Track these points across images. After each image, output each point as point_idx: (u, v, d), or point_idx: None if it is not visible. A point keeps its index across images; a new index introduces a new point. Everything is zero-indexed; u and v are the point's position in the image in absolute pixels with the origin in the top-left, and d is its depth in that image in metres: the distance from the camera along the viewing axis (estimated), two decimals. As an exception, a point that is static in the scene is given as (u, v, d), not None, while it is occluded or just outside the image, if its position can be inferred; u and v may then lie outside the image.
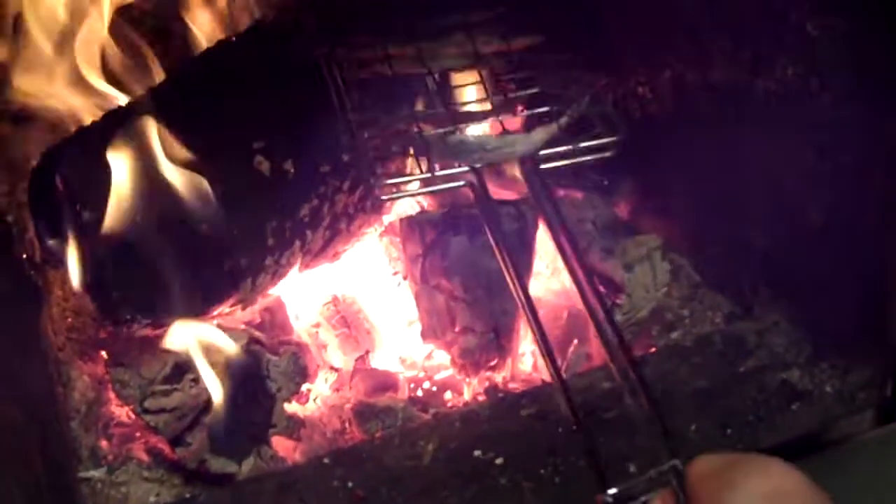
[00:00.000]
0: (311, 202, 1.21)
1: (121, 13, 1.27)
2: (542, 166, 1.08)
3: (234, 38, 1.26)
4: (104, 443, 1.19)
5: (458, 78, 1.28)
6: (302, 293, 1.35)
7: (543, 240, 1.36)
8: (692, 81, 1.30)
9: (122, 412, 1.21)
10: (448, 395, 1.29)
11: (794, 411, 1.16)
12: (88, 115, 1.24)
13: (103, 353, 1.26)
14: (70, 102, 1.27)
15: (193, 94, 1.19)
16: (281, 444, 1.20)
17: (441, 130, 1.12)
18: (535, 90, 1.23)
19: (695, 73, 1.30)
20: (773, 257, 1.27)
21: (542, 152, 1.09)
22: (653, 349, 1.30)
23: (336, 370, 1.30)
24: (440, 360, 1.33)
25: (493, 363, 1.29)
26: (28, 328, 1.22)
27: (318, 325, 1.34)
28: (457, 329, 1.28)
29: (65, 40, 1.25)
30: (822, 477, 1.12)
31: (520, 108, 1.24)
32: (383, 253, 1.42)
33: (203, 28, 1.31)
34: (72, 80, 1.27)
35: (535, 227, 1.30)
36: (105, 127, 1.14)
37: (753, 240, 1.28)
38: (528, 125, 1.21)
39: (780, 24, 1.13)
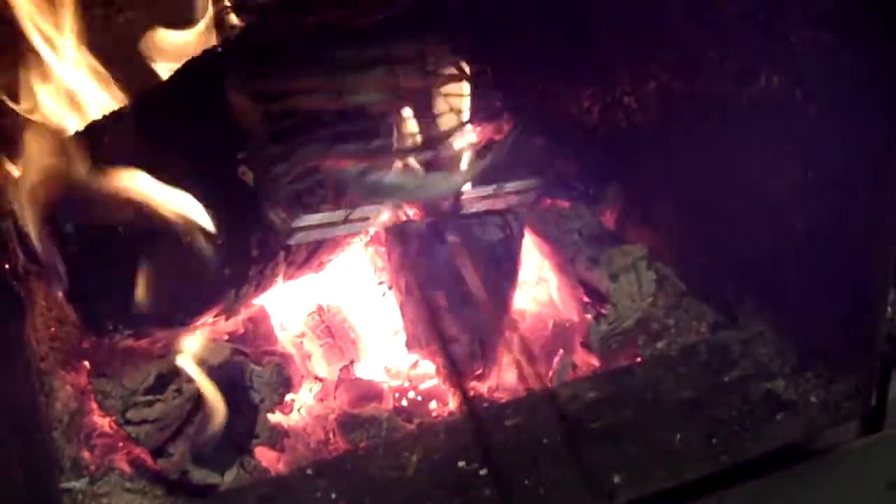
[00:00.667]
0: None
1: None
2: (464, 210, 1.08)
3: (219, 49, 1.26)
4: (86, 453, 1.18)
5: (379, 111, 1.22)
6: (286, 303, 1.35)
7: (529, 250, 1.37)
8: (678, 91, 1.31)
9: (104, 423, 1.21)
10: (433, 405, 1.29)
11: (779, 421, 1.16)
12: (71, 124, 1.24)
13: (86, 364, 1.25)
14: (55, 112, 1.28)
15: (176, 104, 1.19)
16: (264, 455, 1.19)
17: (359, 167, 1.09)
18: (459, 123, 1.21)
19: (680, 84, 1.30)
20: (758, 267, 1.27)
21: (466, 194, 1.08)
22: (638, 359, 1.30)
23: (320, 380, 1.30)
24: (425, 370, 1.32)
25: (478, 373, 1.29)
26: (11, 338, 1.22)
27: (302, 336, 1.34)
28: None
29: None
30: (806, 486, 1.13)
31: (442, 141, 1.21)
32: (368, 263, 1.41)
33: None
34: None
35: (521, 237, 1.30)
36: (86, 137, 1.14)
37: (739, 250, 1.28)
38: (450, 161, 1.19)
39: (765, 35, 1.13)
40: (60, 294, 1.13)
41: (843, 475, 1.15)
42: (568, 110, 1.53)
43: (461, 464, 1.12)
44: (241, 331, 1.27)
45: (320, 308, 1.36)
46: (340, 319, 1.35)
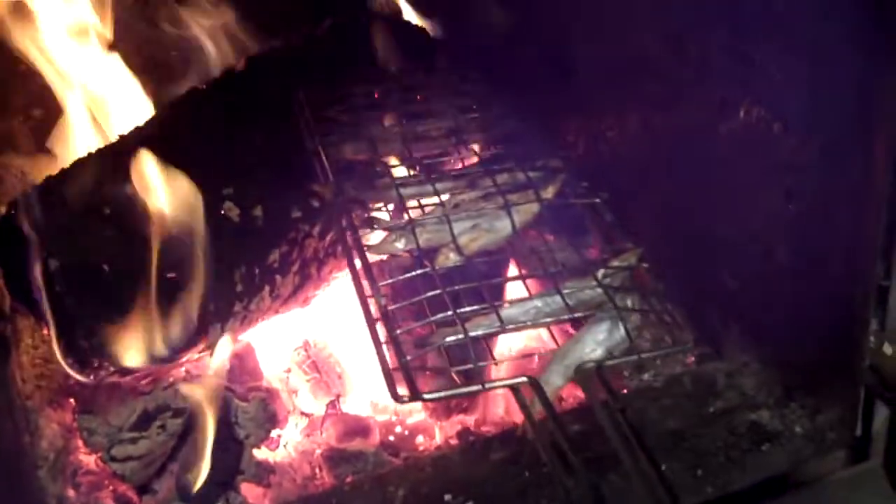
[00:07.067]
0: (280, 248, 1.21)
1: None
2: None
3: (204, 87, 1.28)
4: (71, 492, 1.18)
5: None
6: (272, 338, 1.35)
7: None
8: (660, 123, 1.32)
9: (89, 460, 1.20)
10: (420, 439, 1.29)
11: (765, 452, 1.16)
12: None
13: (72, 401, 1.25)
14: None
15: (162, 141, 1.19)
16: (250, 491, 1.19)
17: None
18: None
19: (662, 116, 1.31)
20: (742, 297, 1.27)
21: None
22: (624, 390, 1.30)
23: (307, 415, 1.30)
24: (412, 405, 1.32)
25: (464, 406, 1.29)
26: (-3, 376, 1.22)
27: (288, 371, 1.34)
28: (428, 372, 1.27)
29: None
30: (793, 518, 1.13)
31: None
32: (354, 297, 1.41)
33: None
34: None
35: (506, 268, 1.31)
36: (72, 175, 1.15)
37: (724, 281, 1.29)
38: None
39: (745, 67, 1.15)
40: (46, 331, 1.13)
41: (829, 505, 1.15)
42: (554, 142, 1.54)
43: (447, 497, 1.12)
44: (227, 366, 1.27)
45: (306, 343, 1.36)
46: (326, 354, 1.36)
